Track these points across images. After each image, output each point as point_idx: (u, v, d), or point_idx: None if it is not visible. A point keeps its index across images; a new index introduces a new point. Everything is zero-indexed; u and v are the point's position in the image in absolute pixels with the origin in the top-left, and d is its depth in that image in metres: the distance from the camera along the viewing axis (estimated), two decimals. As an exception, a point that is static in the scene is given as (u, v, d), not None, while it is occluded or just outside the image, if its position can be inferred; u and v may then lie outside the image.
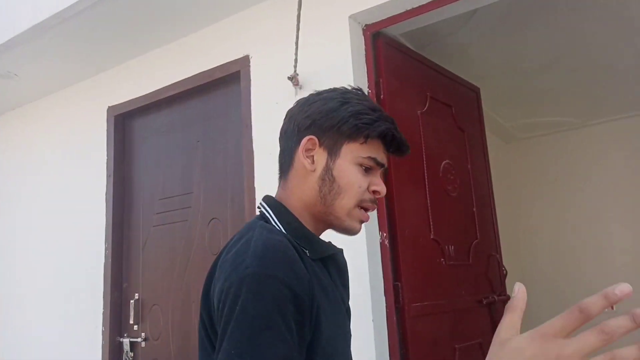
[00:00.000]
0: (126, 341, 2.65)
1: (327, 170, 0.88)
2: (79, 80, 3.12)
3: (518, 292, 0.50)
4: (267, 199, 0.94)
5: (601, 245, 4.25)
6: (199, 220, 2.53)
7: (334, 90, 0.94)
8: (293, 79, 2.05)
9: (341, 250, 0.98)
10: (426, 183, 2.25)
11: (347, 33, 2.09)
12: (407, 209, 2.11)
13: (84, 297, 2.83)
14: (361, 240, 1.91)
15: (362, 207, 0.90)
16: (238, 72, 2.38)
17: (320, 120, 0.89)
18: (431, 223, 2.21)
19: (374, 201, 0.91)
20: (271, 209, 0.90)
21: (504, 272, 2.69)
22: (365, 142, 0.88)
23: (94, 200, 2.88)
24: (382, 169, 0.93)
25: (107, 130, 2.91)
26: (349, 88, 0.94)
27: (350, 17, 2.10)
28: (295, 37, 2.02)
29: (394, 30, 2.27)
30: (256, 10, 2.40)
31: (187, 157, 2.63)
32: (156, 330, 2.58)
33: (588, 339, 0.43)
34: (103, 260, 2.77)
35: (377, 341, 1.85)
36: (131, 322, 2.66)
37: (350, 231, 0.91)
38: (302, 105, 0.94)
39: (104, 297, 2.73)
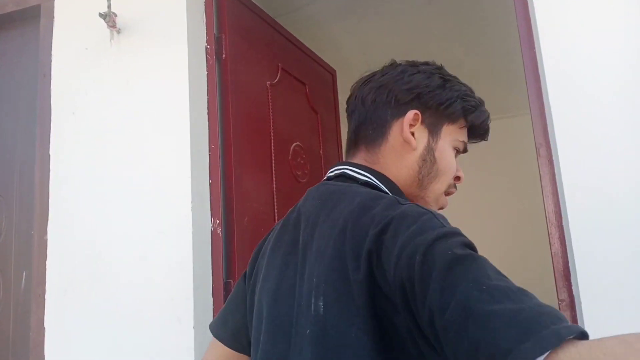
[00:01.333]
0: None
1: (429, 150, 0.82)
2: None
3: None
4: (365, 168, 0.80)
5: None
6: (-28, 198, 1.91)
7: (428, 64, 0.86)
8: (107, 17, 1.59)
9: None
10: (273, 165, 1.99)
11: (183, -28, 1.69)
12: (249, 193, 1.81)
13: None
14: (185, 226, 1.55)
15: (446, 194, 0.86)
16: (38, 7, 1.88)
17: (426, 95, 0.82)
18: (276, 211, 1.94)
19: (454, 188, 0.87)
20: (381, 183, 0.78)
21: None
22: (465, 126, 0.84)
23: None
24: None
25: None
26: (437, 64, 0.87)
27: (187, -48, 1.71)
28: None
29: (244, -18, 1.94)
30: None
31: (-39, 114, 1.99)
32: None
33: None
34: None
35: (197, 351, 1.48)
36: None
37: None
38: (398, 74, 0.83)
39: None
